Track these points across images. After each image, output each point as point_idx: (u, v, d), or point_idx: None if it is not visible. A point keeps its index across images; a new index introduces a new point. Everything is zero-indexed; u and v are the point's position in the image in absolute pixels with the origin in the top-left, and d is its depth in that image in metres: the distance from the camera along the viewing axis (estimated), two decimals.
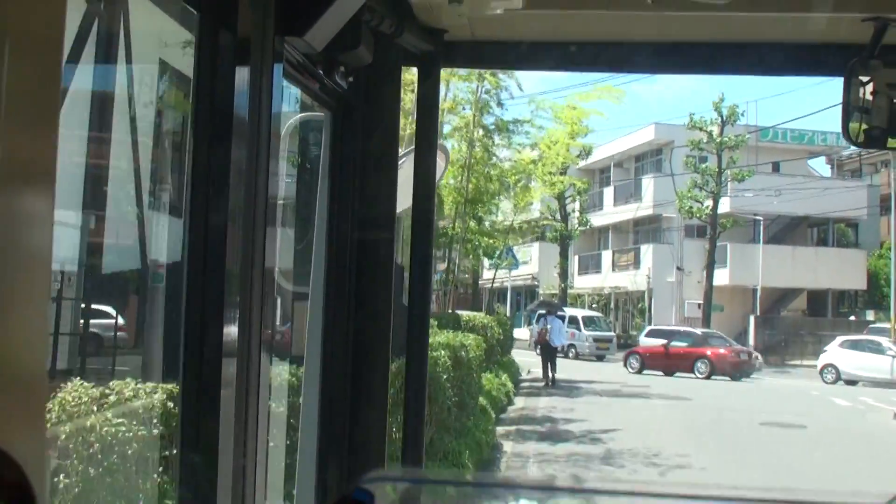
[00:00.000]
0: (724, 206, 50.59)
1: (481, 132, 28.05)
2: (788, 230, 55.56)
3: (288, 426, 4.73)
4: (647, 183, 56.40)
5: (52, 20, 1.16)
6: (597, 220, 57.94)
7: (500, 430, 18.65)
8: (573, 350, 45.32)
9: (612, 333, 49.04)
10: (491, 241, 32.69)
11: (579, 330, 46.32)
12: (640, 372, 38.07)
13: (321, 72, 2.67)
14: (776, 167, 55.07)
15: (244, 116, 2.06)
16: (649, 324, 50.12)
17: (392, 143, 3.08)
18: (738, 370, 36.97)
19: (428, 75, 3.07)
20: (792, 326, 51.03)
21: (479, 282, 52.95)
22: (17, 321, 1.13)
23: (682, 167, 50.02)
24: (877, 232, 55.50)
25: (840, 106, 2.85)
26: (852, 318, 53.43)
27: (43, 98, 1.15)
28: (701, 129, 48.79)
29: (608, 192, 60.91)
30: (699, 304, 50.64)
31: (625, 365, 39.61)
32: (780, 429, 20.93)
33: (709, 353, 37.80)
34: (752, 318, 50.62)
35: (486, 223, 32.61)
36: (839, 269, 52.34)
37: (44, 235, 1.16)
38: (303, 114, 4.03)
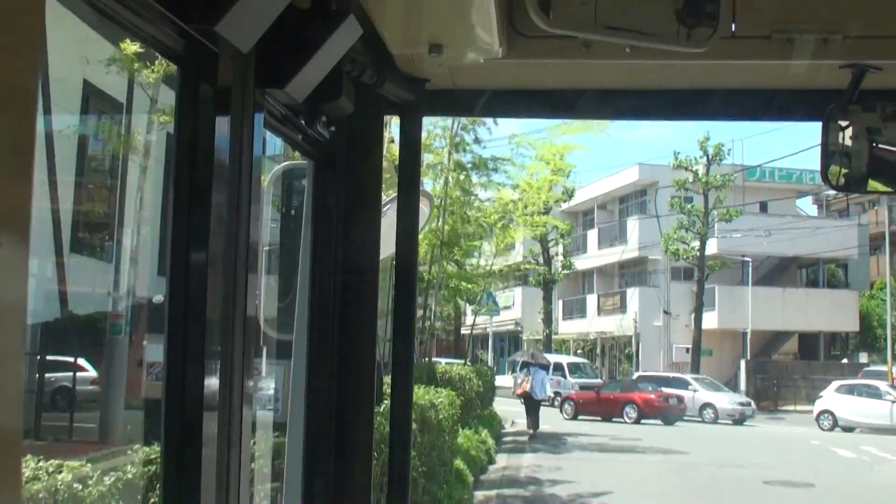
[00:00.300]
0: (712, 247, 50.52)
1: (457, 170, 26.79)
2: (778, 271, 55.53)
3: (272, 486, 4.58)
4: (632, 225, 56.34)
5: (26, 69, 1.16)
6: (581, 263, 57.82)
7: (479, 494, 17.76)
8: (559, 398, 45.16)
9: (598, 380, 48.66)
10: (470, 285, 31.60)
11: (565, 377, 46.09)
12: (574, 418, 39.06)
13: (303, 122, 2.68)
14: (764, 207, 55.17)
15: (225, 167, 2.06)
16: (637, 369, 49.94)
17: (375, 192, 3.09)
18: (666, 414, 37.97)
19: (410, 124, 3.10)
20: (784, 370, 50.73)
21: (462, 328, 52.20)
22: None
23: (668, 208, 49.98)
24: (867, 272, 55.57)
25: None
26: (845, 360, 53.27)
27: (17, 147, 1.15)
28: (686, 168, 48.71)
29: (592, 235, 60.86)
30: (687, 349, 50.37)
31: (560, 410, 40.21)
32: (786, 488, 19.86)
33: (636, 398, 38.75)
34: (742, 363, 50.39)
35: (466, 267, 31.63)
36: (830, 311, 52.11)
37: (18, 287, 1.15)
38: (286, 162, 4.05)
